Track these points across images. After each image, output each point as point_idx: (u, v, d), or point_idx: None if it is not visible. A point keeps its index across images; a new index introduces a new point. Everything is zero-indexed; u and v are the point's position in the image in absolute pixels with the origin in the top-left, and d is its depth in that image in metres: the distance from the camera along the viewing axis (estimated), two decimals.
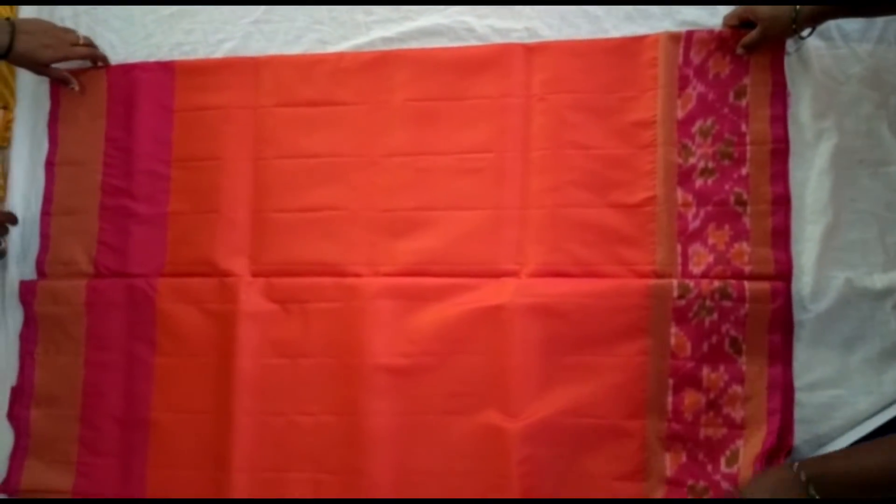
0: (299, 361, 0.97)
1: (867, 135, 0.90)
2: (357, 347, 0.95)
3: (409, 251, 0.97)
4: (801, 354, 0.87)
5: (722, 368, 0.88)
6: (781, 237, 0.88)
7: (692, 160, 0.91)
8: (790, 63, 0.91)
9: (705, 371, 0.88)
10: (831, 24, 0.91)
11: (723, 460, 0.87)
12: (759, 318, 0.87)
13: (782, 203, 0.88)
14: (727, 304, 0.87)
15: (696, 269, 0.90)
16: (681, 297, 0.89)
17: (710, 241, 0.90)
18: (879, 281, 0.87)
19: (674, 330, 0.89)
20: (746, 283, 0.87)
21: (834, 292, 0.87)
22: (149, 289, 1.02)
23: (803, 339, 0.87)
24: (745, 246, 0.89)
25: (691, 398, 0.88)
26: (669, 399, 0.89)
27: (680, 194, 0.92)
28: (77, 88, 1.07)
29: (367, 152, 1.00)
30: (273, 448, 0.96)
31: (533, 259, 0.94)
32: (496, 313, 0.92)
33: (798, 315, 0.87)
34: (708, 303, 0.88)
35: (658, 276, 0.91)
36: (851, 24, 0.91)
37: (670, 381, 0.89)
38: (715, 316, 0.88)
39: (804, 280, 0.88)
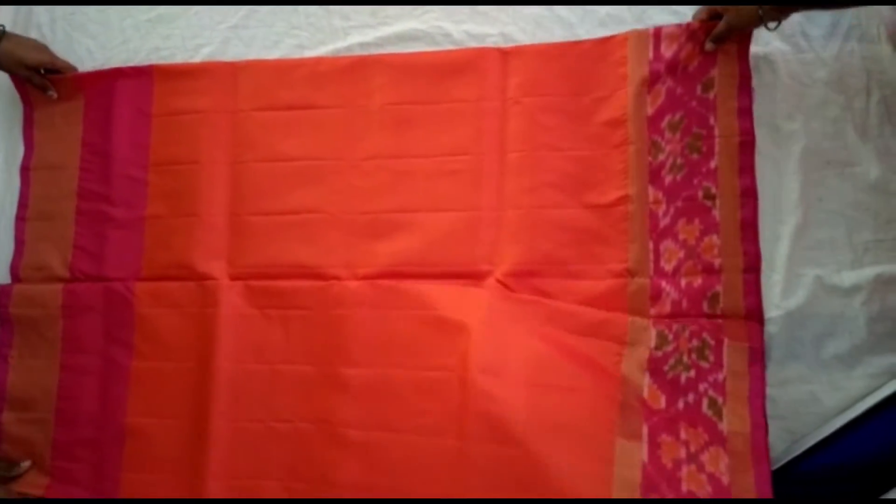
0: (278, 367, 0.97)
1: (833, 137, 0.92)
2: (335, 356, 0.95)
3: (387, 253, 0.97)
4: (773, 352, 0.88)
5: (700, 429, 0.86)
6: (750, 229, 0.89)
7: (661, 157, 0.93)
8: (758, 66, 0.93)
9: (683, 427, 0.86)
10: (797, 30, 0.94)
11: None
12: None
13: (750, 196, 0.90)
14: (704, 364, 0.87)
15: (667, 266, 0.91)
16: (658, 347, 0.89)
17: (681, 236, 0.92)
18: (848, 279, 0.89)
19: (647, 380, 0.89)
20: (725, 342, 0.87)
21: (804, 290, 0.89)
22: (127, 293, 1.01)
23: (774, 337, 0.88)
24: (715, 239, 0.90)
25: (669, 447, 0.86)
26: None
27: (651, 192, 0.93)
28: (55, 96, 1.06)
29: (346, 156, 1.00)
30: (248, 455, 0.95)
31: (508, 259, 0.94)
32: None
33: (769, 312, 0.88)
34: (685, 358, 0.88)
35: (631, 274, 0.92)
36: (816, 30, 0.94)
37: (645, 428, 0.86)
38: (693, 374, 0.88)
39: (774, 278, 0.90)
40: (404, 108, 1.00)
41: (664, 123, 0.93)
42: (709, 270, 0.90)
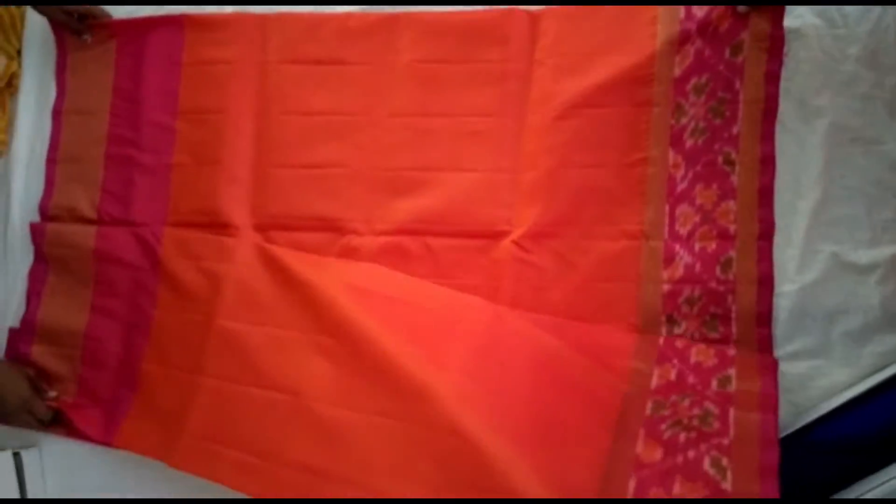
0: (272, 331, 0.95)
1: (862, 113, 0.91)
2: (330, 324, 0.92)
3: (406, 209, 0.99)
4: (784, 325, 0.89)
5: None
6: (767, 196, 0.90)
7: (684, 120, 0.93)
8: (789, 41, 0.92)
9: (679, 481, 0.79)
10: (832, 7, 0.92)
11: None
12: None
13: (769, 162, 0.90)
14: (707, 429, 0.81)
15: (682, 230, 0.92)
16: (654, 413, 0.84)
17: (698, 201, 0.92)
18: (865, 256, 0.89)
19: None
20: (731, 411, 0.82)
21: (819, 265, 0.89)
22: (154, 241, 1.03)
23: (787, 310, 0.89)
24: (731, 205, 0.90)
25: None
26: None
27: (671, 155, 0.93)
28: (89, 40, 1.08)
29: (371, 112, 1.01)
30: (222, 418, 0.93)
31: (526, 220, 0.95)
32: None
33: (783, 286, 0.89)
34: (685, 421, 0.83)
35: (645, 236, 0.93)
36: (851, 7, 0.93)
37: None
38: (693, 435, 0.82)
39: (791, 252, 0.90)
40: (431, 66, 1.00)
41: (690, 86, 0.93)
42: (723, 236, 0.90)
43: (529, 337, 0.89)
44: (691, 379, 0.85)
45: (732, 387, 0.83)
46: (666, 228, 0.92)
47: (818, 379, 0.88)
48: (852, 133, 0.91)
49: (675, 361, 0.87)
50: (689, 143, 0.92)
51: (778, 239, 0.90)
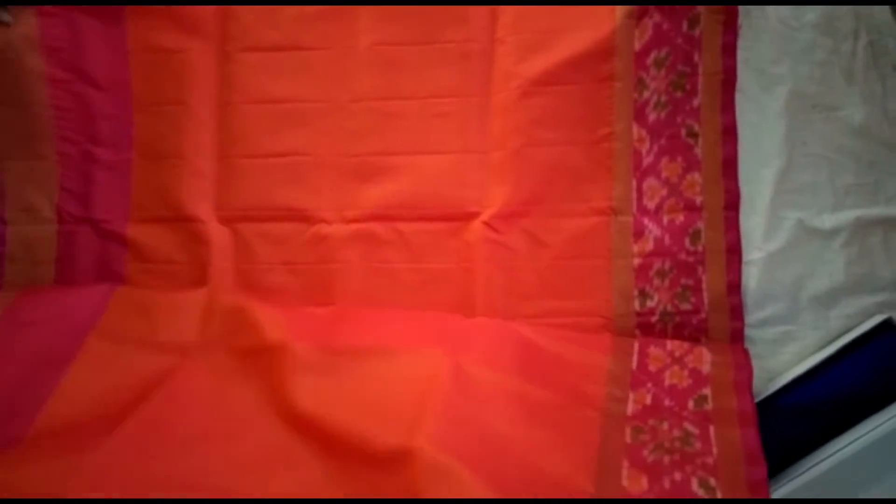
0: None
1: (820, 80, 0.92)
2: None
3: (375, 195, 0.98)
4: (753, 292, 0.90)
5: None
6: (730, 166, 0.90)
7: (646, 94, 0.93)
8: (748, 10, 0.93)
9: None
10: None
11: None
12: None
13: (731, 133, 0.91)
14: (689, 449, 0.77)
15: (650, 204, 0.92)
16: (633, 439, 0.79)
17: (664, 174, 0.92)
18: (828, 221, 0.90)
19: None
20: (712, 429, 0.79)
21: (785, 233, 0.90)
22: (120, 231, 1.00)
23: (755, 278, 0.90)
24: (696, 176, 0.91)
25: None
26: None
27: (635, 129, 0.93)
28: (10, 21, 1.00)
29: (333, 97, 0.99)
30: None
31: (496, 201, 0.95)
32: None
33: (750, 255, 0.90)
34: (666, 444, 0.78)
35: (614, 212, 0.93)
36: None
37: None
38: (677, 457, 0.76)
39: (756, 220, 0.91)
40: (391, 49, 0.99)
41: (650, 60, 0.93)
42: (691, 207, 0.91)
43: (495, 386, 0.82)
44: (667, 402, 0.83)
45: (709, 405, 0.82)
46: (634, 203, 0.93)
47: (789, 344, 0.89)
48: (812, 100, 0.92)
49: (650, 385, 0.86)
50: (652, 116, 0.93)
51: (744, 207, 0.91)
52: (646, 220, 0.92)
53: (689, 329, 0.91)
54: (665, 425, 0.79)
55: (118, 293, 0.95)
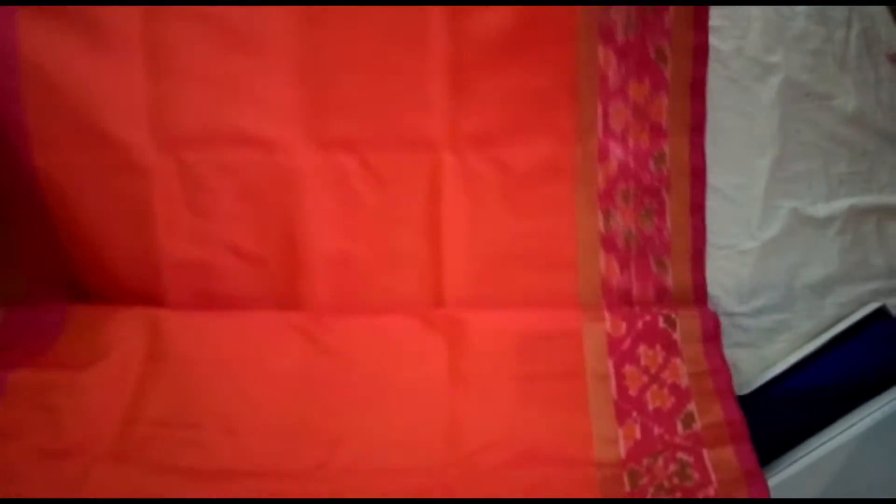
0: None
1: (813, 69, 0.92)
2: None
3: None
4: (748, 282, 0.90)
5: None
6: (699, 87, 0.90)
7: (614, 15, 0.90)
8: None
9: None
10: None
11: None
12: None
13: (702, 52, 0.89)
14: (689, 484, 0.75)
15: (616, 127, 0.92)
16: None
17: (631, 96, 0.91)
18: (823, 210, 0.90)
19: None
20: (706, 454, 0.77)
21: (780, 222, 0.91)
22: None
23: (750, 266, 0.90)
24: (664, 99, 0.91)
25: None
26: None
27: (601, 51, 0.91)
28: None
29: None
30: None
31: (461, 128, 0.92)
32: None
33: (745, 244, 0.91)
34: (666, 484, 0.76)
35: (579, 136, 0.92)
36: None
37: None
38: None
39: (752, 210, 0.91)
40: None
41: None
42: (656, 130, 0.91)
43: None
44: (657, 430, 0.80)
45: (698, 425, 0.79)
46: (600, 126, 0.92)
47: (783, 332, 0.90)
48: (805, 88, 0.92)
49: (635, 415, 0.82)
50: (620, 38, 0.91)
51: (739, 197, 0.91)
52: (611, 143, 0.91)
53: (652, 250, 0.91)
54: (660, 461, 0.77)
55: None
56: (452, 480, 0.77)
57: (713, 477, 0.74)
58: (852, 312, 0.89)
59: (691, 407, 0.82)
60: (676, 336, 0.88)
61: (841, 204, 0.90)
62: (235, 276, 0.94)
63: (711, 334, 0.88)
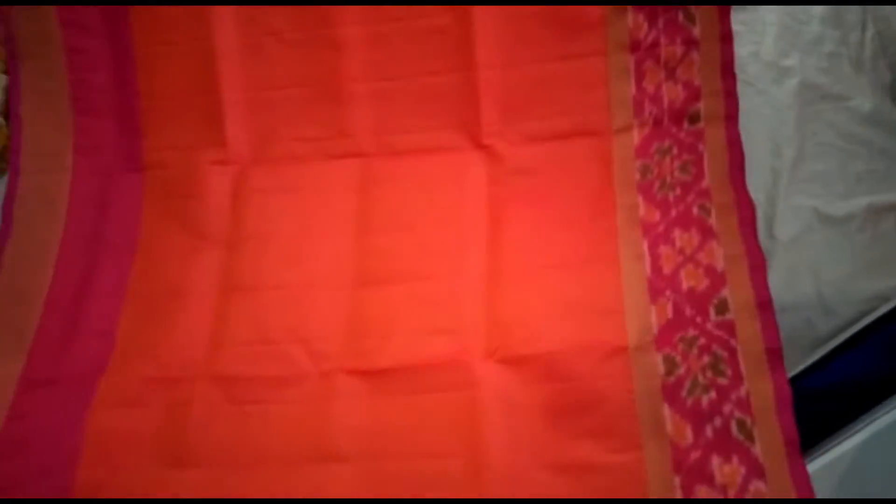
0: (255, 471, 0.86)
1: (828, 71, 0.94)
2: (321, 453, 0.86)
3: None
4: (772, 280, 0.91)
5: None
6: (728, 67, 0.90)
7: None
8: (755, 8, 0.95)
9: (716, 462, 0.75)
10: None
11: None
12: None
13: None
14: (723, 381, 0.78)
15: (649, 87, 0.93)
16: (668, 373, 0.80)
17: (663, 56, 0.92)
18: (841, 208, 0.92)
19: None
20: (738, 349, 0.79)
21: (800, 221, 0.93)
22: (87, 392, 0.91)
23: (773, 267, 0.92)
24: (695, 55, 0.91)
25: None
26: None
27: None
28: None
29: None
30: None
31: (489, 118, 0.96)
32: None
33: (767, 244, 0.92)
34: (701, 378, 0.78)
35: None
36: None
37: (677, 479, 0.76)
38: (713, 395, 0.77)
39: (772, 211, 0.93)
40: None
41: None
42: (688, 87, 0.91)
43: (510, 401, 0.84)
44: (688, 311, 0.82)
45: (731, 312, 0.81)
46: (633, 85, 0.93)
47: (806, 330, 0.91)
48: (821, 91, 0.94)
49: (668, 293, 0.84)
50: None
51: (759, 198, 0.92)
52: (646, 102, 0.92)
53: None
54: (695, 351, 0.79)
55: None
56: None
57: (744, 374, 0.77)
58: (873, 310, 0.90)
59: (724, 293, 0.82)
60: (712, 221, 0.86)
61: (859, 202, 0.92)
62: None
63: (748, 220, 0.85)
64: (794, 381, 0.88)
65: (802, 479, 0.72)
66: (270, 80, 1.01)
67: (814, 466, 0.83)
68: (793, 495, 0.71)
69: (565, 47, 0.95)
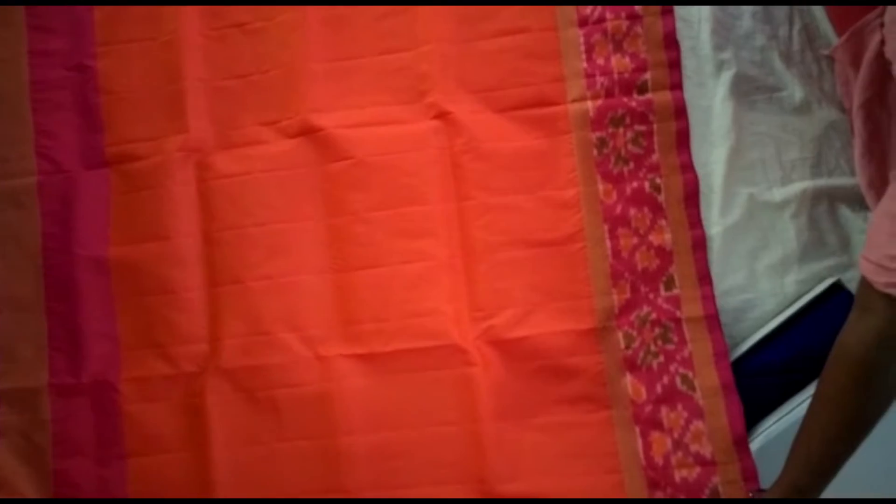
0: (275, 447, 0.96)
1: (761, 64, 0.98)
2: (331, 427, 0.95)
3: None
4: (714, 265, 0.95)
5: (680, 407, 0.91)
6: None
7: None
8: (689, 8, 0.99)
9: (664, 412, 0.92)
10: None
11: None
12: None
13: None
14: (670, 346, 0.93)
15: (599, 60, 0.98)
16: (627, 347, 0.94)
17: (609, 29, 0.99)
18: (778, 195, 0.97)
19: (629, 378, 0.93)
20: (683, 320, 0.93)
21: (739, 208, 0.96)
22: (113, 393, 0.99)
23: (715, 252, 0.96)
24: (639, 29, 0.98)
25: (658, 442, 0.91)
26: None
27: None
28: None
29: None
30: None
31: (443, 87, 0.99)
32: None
33: (710, 230, 0.96)
34: (652, 347, 0.94)
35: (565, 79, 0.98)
36: None
37: (637, 428, 0.92)
38: (662, 359, 0.93)
39: (713, 198, 0.97)
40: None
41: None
42: (635, 58, 0.97)
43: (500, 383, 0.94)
44: (642, 288, 0.95)
45: (677, 288, 0.94)
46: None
47: (749, 311, 0.95)
48: (755, 83, 0.98)
49: (627, 275, 0.95)
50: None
51: (701, 186, 0.96)
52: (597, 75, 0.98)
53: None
54: (647, 325, 0.94)
55: None
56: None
57: (687, 338, 0.93)
58: (811, 288, 0.94)
59: (672, 270, 0.95)
60: (661, 199, 0.96)
61: (794, 188, 0.96)
62: None
63: (692, 195, 0.95)
64: (742, 359, 0.93)
65: (736, 412, 0.88)
66: (232, 69, 1.03)
67: (764, 438, 0.87)
68: (728, 429, 0.88)
69: (517, 23, 0.99)
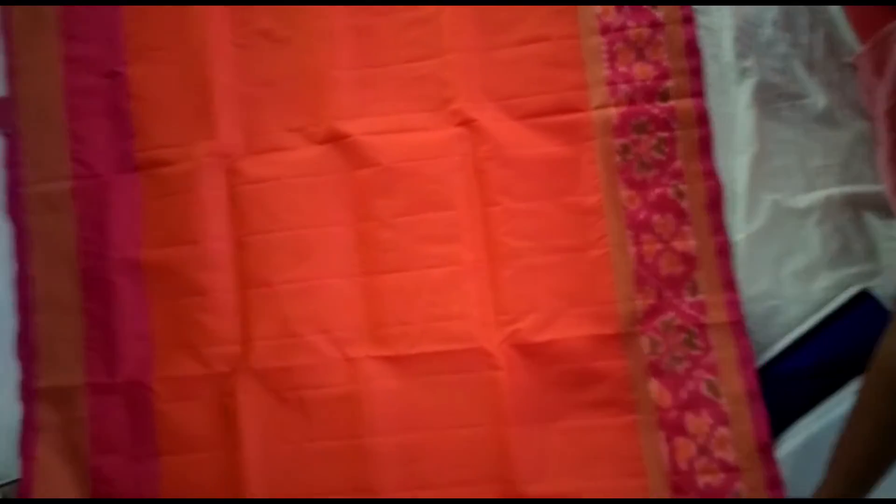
0: (304, 446, 0.97)
1: (784, 72, 0.99)
2: (359, 428, 0.96)
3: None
4: (740, 271, 0.95)
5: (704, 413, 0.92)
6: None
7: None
8: (709, 11, 1.00)
9: (689, 417, 0.92)
10: None
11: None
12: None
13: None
14: (695, 352, 0.94)
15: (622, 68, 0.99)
16: (652, 352, 0.94)
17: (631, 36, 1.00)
18: (802, 201, 0.96)
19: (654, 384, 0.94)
20: (708, 324, 0.94)
21: (764, 214, 0.96)
22: (146, 391, 1.01)
23: (740, 258, 0.96)
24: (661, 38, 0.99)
25: (683, 448, 0.92)
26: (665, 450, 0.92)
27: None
28: None
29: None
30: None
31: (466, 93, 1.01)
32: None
33: (735, 236, 0.96)
34: (678, 352, 0.94)
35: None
36: None
37: (661, 433, 0.93)
38: (687, 364, 0.94)
39: (738, 205, 0.97)
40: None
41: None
42: (657, 65, 0.98)
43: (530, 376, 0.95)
44: (667, 293, 0.95)
45: (701, 293, 0.95)
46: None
47: (775, 317, 0.95)
48: (778, 90, 0.99)
49: (652, 280, 0.95)
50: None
51: (725, 193, 0.96)
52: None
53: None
54: (672, 331, 0.94)
55: None
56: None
57: (713, 345, 0.93)
58: (837, 296, 0.94)
59: (696, 276, 0.95)
60: (685, 205, 0.96)
61: (819, 195, 0.96)
62: None
63: (716, 202, 0.96)
64: (769, 365, 0.93)
65: (761, 419, 0.88)
66: (259, 76, 1.04)
67: (792, 444, 0.87)
68: (752, 435, 0.88)
69: (540, 31, 1.00)
